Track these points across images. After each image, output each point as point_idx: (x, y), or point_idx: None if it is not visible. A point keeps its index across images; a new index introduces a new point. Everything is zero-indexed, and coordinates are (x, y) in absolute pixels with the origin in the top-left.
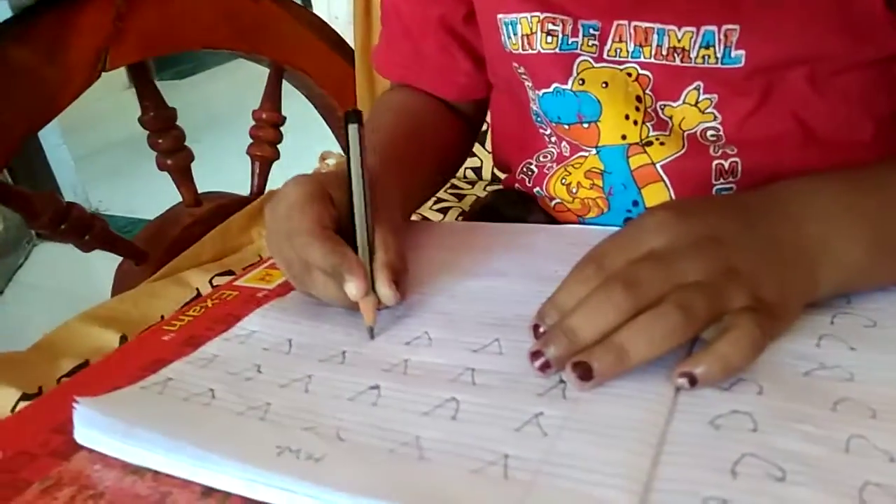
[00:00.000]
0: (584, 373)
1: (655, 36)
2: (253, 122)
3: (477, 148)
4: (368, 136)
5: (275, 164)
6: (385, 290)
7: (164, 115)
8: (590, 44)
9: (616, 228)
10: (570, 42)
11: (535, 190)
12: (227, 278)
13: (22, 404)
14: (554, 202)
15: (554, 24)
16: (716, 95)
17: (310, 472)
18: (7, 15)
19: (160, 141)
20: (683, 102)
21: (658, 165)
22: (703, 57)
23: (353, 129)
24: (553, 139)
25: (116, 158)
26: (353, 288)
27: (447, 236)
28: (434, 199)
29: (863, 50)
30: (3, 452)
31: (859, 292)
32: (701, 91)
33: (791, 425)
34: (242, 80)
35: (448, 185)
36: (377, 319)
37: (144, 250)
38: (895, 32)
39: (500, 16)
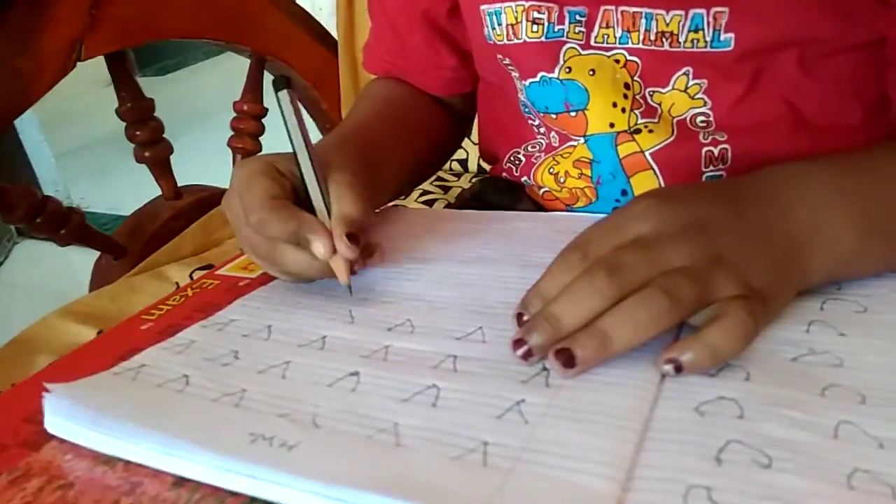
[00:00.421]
0: (568, 360)
1: (643, 20)
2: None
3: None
4: (341, 123)
5: None
6: (339, 244)
7: (141, 107)
8: (576, 30)
9: (604, 215)
10: (556, 29)
11: (522, 179)
12: None
13: None
14: (542, 191)
15: (539, 11)
16: (705, 80)
17: (281, 459)
18: None
19: (138, 133)
20: (672, 88)
21: (647, 153)
22: (692, 41)
23: (283, 95)
24: (541, 130)
25: (98, 155)
26: (319, 246)
27: (434, 223)
28: (419, 190)
29: (853, 32)
30: None
31: (851, 279)
32: (690, 76)
33: (778, 411)
34: (227, 75)
35: (434, 176)
36: (353, 280)
37: (122, 245)
38: (885, 14)
39: (483, 7)
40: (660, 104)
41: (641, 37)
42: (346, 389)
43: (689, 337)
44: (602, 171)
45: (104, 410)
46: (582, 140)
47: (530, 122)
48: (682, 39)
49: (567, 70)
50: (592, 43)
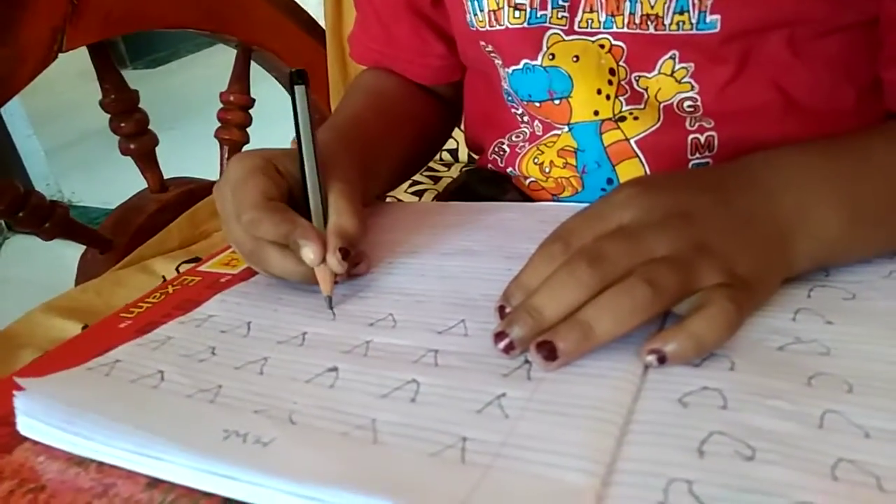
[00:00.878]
0: (549, 353)
1: (627, 3)
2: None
3: None
4: (333, 115)
5: (245, 149)
6: (331, 258)
7: (125, 98)
8: (559, 16)
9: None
10: (538, 15)
11: (507, 170)
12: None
13: None
14: (528, 181)
15: None
16: (692, 64)
17: (255, 456)
18: None
19: (122, 125)
20: (659, 73)
21: (632, 141)
22: (678, 23)
23: (299, 90)
24: (525, 118)
25: (89, 149)
26: (309, 253)
27: (418, 216)
28: (409, 181)
29: (843, 13)
30: None
31: (839, 266)
32: (676, 60)
33: (762, 402)
34: (218, 67)
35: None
36: (335, 291)
37: (108, 238)
38: None
39: None
40: (646, 89)
41: (626, 20)
42: (324, 385)
43: (673, 327)
44: (587, 160)
45: (77, 406)
46: (566, 128)
47: (514, 110)
48: (667, 22)
49: (550, 57)
50: (576, 28)
